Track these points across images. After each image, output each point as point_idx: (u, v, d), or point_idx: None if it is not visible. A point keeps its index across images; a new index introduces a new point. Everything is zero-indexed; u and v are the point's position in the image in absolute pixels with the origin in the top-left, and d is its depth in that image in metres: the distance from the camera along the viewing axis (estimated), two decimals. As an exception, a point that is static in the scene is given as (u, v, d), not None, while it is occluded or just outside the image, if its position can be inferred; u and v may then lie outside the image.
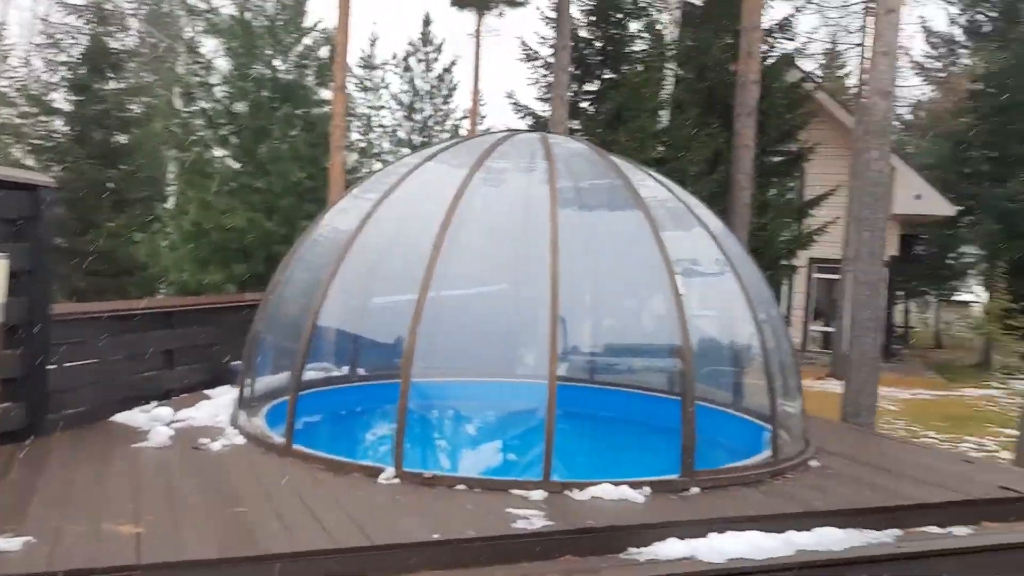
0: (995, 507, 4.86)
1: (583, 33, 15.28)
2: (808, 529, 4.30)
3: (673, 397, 5.27)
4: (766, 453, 5.36)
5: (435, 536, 3.82)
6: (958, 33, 30.79)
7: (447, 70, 34.22)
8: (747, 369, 6.07)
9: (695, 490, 4.69)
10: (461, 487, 4.57)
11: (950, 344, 32.07)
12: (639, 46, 15.31)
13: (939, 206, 21.76)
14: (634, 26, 15.33)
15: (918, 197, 21.45)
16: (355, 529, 3.88)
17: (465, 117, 33.15)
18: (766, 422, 5.57)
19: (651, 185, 6.25)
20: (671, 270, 5.27)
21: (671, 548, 4.02)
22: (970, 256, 31.47)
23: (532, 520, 4.07)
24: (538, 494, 4.47)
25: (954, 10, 30.13)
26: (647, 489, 4.60)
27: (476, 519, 4.08)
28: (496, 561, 3.80)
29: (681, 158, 12.83)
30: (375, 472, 4.70)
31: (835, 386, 19.95)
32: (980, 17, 30.42)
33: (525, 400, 5.74)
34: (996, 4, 29.47)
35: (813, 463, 5.44)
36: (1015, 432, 15.05)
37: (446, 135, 34.86)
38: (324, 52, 16.28)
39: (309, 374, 5.76)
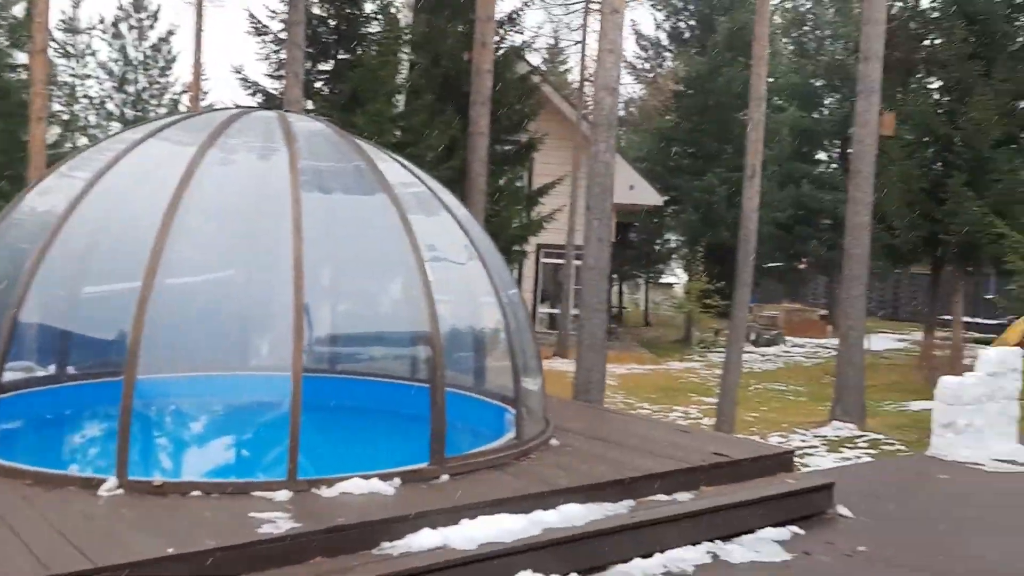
0: (711, 472, 5.35)
1: (316, 10, 14.79)
2: (553, 507, 4.46)
3: (422, 385, 5.22)
4: (511, 435, 5.48)
5: (169, 551, 3.47)
6: (663, 37, 33.80)
7: (164, 40, 31.73)
8: (492, 353, 6.18)
9: (445, 477, 4.69)
10: (196, 493, 4.20)
11: (656, 322, 35.25)
12: (374, 28, 15.11)
13: (650, 196, 23.76)
14: (369, 7, 15.10)
15: (632, 188, 23.24)
16: (72, 551, 3.42)
17: (185, 91, 30.92)
18: (511, 404, 5.70)
19: (396, 169, 6.14)
20: (419, 255, 5.21)
21: (424, 539, 3.98)
22: (673, 242, 34.81)
23: (278, 523, 3.84)
24: (283, 495, 4.23)
25: (660, 16, 32.98)
26: (397, 480, 4.53)
27: (215, 527, 3.77)
28: (241, 571, 3.54)
29: (419, 144, 12.85)
30: (95, 484, 4.19)
31: (561, 364, 21.19)
32: (681, 24, 33.63)
33: (266, 394, 5.41)
34: (694, 13, 32.72)
35: (554, 442, 5.66)
36: (714, 400, 16.90)
37: (163, 110, 32.30)
38: (19, 10, 14.38)
39: (8, 375, 5.01)
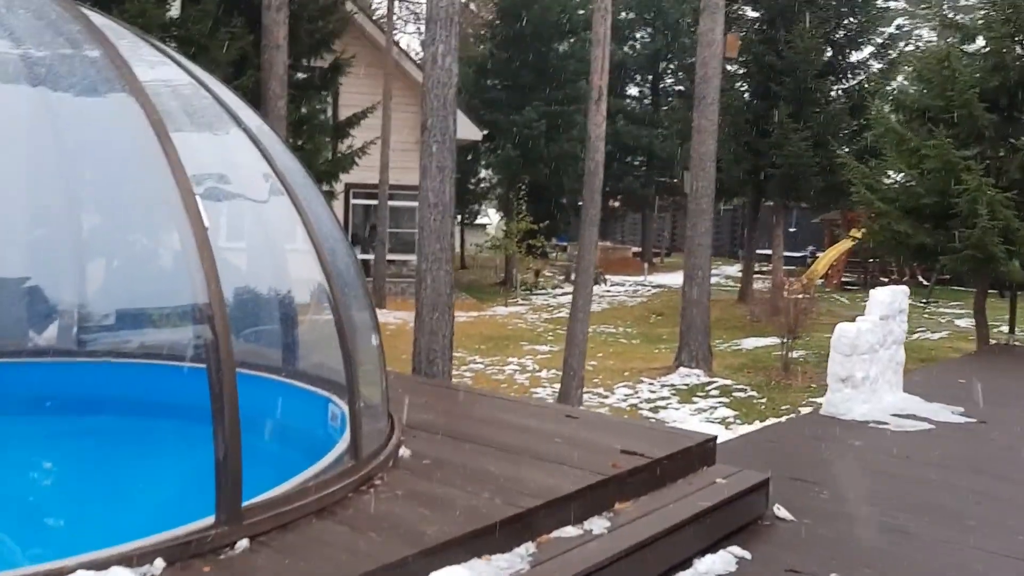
0: (627, 482, 3.88)
1: None
2: (425, 582, 2.81)
3: (197, 374, 3.30)
4: (343, 447, 3.72)
5: None
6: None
7: None
8: (309, 323, 4.37)
9: (243, 544, 2.89)
10: None
11: (474, 265, 34.00)
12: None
13: (470, 131, 22.06)
14: None
15: (449, 121, 21.43)
16: None
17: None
18: (340, 396, 3.94)
19: (157, 62, 4.10)
20: (188, 189, 3.27)
21: None
22: (487, 181, 33.48)
23: None
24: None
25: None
26: (159, 563, 2.68)
27: None
28: None
29: (199, 57, 10.39)
30: None
31: (380, 318, 19.33)
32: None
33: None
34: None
35: (404, 452, 3.97)
36: (547, 348, 15.75)
37: None
38: None
39: None
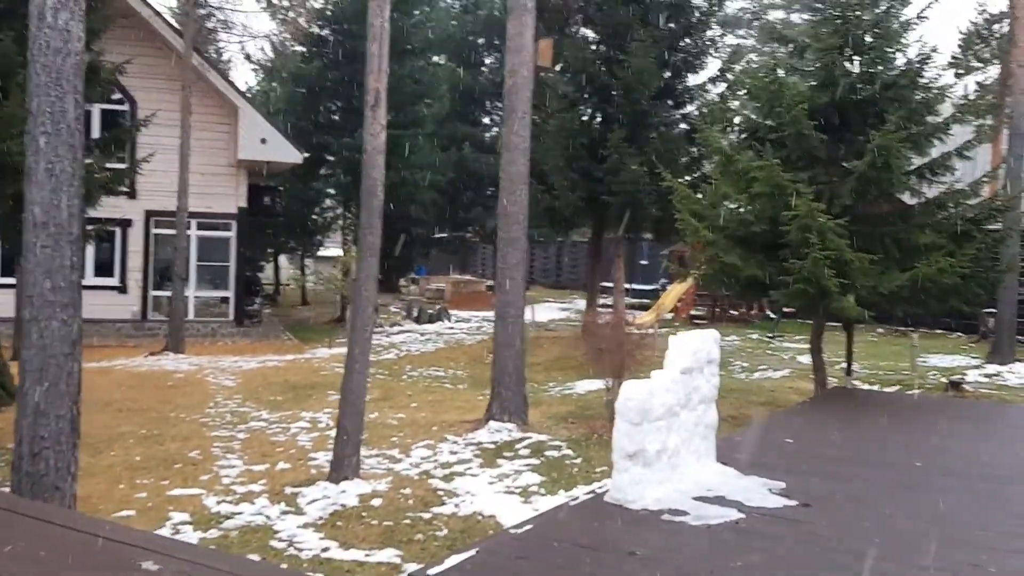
0: None
1: None
2: None
3: None
4: None
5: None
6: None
7: None
8: None
9: None
10: None
11: (315, 300, 31.60)
12: None
13: (287, 153, 19.99)
14: None
15: (264, 141, 19.33)
16: None
17: None
18: None
19: None
20: None
21: None
22: (332, 210, 31.33)
23: None
24: None
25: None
26: None
27: None
28: None
29: None
30: None
31: (171, 362, 16.88)
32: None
33: None
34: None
35: None
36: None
37: None
38: None
39: None
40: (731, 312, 25.23)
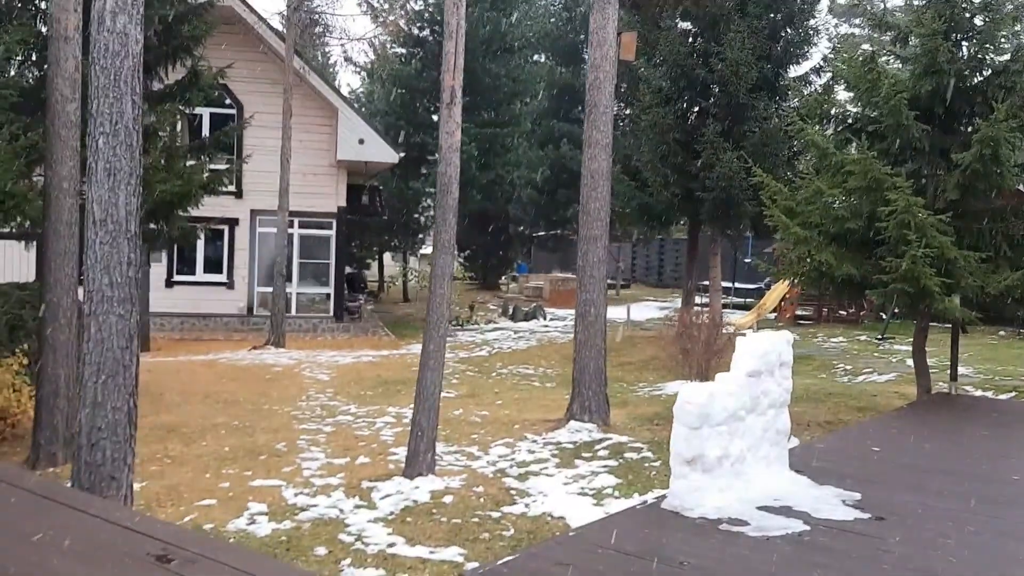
0: None
1: None
2: None
3: None
4: None
5: None
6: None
7: None
8: None
9: None
10: None
11: (417, 298, 32.12)
12: None
13: (384, 153, 20.37)
14: None
15: (362, 142, 19.76)
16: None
17: None
18: None
19: None
20: None
21: None
22: (430, 209, 31.76)
23: None
24: None
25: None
26: None
27: None
28: None
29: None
30: None
31: (272, 356, 17.47)
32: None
33: None
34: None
35: None
36: (441, 395, 13.88)
37: None
38: None
39: None
40: (839, 312, 24.19)
